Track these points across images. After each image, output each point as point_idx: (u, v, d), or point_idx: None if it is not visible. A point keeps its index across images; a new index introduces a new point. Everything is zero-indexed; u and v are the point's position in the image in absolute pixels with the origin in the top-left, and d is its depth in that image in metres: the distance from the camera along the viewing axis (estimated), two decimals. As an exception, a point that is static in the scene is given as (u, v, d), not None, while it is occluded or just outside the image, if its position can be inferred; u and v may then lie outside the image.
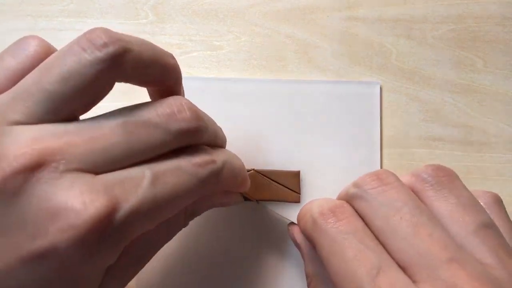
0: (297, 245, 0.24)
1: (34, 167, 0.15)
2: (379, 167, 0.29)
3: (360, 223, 0.19)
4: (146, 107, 0.19)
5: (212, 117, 0.22)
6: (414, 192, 0.20)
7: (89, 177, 0.16)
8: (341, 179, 0.27)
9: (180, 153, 0.19)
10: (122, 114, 0.18)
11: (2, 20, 0.31)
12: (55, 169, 0.16)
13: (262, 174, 0.26)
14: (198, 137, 0.19)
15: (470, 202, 0.19)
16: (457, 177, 0.21)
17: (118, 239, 0.16)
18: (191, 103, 0.19)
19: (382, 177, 0.20)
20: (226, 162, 0.20)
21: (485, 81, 0.30)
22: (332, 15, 0.31)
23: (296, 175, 0.26)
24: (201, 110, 0.20)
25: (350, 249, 0.18)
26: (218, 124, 0.22)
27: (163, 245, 0.21)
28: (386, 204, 0.19)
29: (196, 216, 0.23)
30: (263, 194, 0.26)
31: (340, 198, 0.21)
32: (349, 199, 0.20)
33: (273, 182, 0.26)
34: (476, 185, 0.28)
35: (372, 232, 0.19)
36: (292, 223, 0.25)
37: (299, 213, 0.22)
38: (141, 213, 0.16)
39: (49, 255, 0.15)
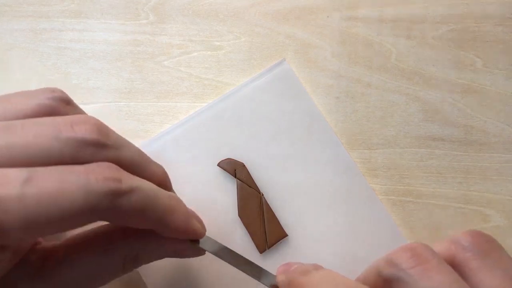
0: None
1: None
2: (350, 162, 0.29)
3: None
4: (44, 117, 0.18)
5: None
6: (455, 264, 0.18)
7: None
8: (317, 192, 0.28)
9: (80, 166, 0.17)
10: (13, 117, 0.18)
11: (2, 20, 0.31)
12: None
13: (263, 206, 0.27)
14: (97, 151, 0.17)
15: None
16: (499, 244, 0.19)
17: None
18: (100, 122, 0.18)
19: (419, 252, 0.18)
20: (139, 188, 0.18)
21: (485, 81, 0.30)
22: (332, 15, 0.31)
23: (280, 235, 0.27)
24: (113, 131, 0.18)
25: None
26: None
27: (101, 285, 0.20)
28: None
29: (142, 263, 0.21)
30: (248, 216, 0.27)
31: (368, 277, 0.19)
32: (384, 281, 0.18)
33: (262, 221, 0.27)
34: (476, 185, 0.28)
35: None
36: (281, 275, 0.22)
37: (308, 284, 0.19)
38: (3, 211, 0.15)
39: None
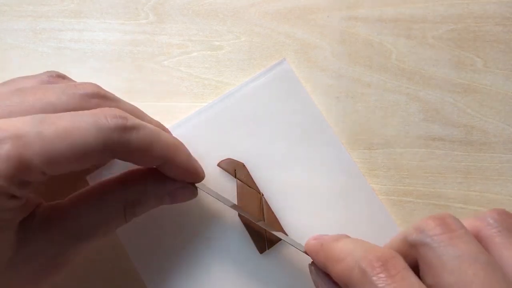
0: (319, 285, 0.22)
1: None
2: (350, 162, 0.29)
3: (415, 280, 0.17)
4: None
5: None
6: (480, 238, 0.18)
7: None
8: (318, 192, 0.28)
9: (87, 111, 0.19)
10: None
11: (2, 20, 0.31)
12: None
13: (263, 206, 0.27)
14: (101, 101, 0.20)
15: None
16: None
17: (2, 167, 0.17)
18: (96, 84, 0.21)
19: (447, 222, 0.18)
20: (144, 126, 0.20)
21: (485, 81, 0.30)
22: (332, 15, 0.31)
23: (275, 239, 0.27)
24: (109, 92, 0.22)
25: None
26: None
27: (101, 235, 0.22)
28: (456, 255, 0.17)
29: (140, 212, 0.22)
30: (249, 207, 0.27)
31: (395, 244, 0.19)
32: (410, 246, 0.18)
33: (262, 219, 0.27)
34: (476, 185, 0.28)
35: (434, 286, 0.17)
36: (313, 263, 0.22)
37: (334, 255, 0.20)
38: (23, 145, 0.17)
39: None
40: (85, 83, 0.21)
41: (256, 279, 0.27)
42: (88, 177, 0.26)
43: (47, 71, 0.23)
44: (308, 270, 0.22)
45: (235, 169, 0.28)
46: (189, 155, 0.23)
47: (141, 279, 0.27)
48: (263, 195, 0.27)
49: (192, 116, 0.29)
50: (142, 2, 0.31)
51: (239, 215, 0.27)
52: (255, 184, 0.27)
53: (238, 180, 0.28)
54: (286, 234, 0.27)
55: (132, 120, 0.20)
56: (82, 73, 0.30)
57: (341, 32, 0.31)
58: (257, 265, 0.27)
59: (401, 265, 0.17)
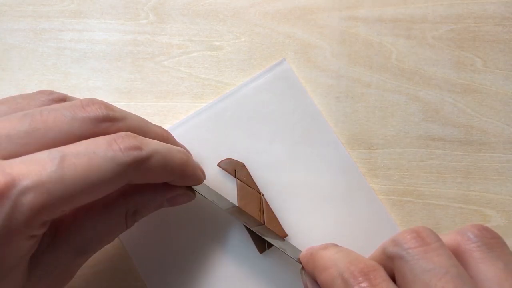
0: None
1: None
2: (350, 162, 0.29)
3: None
4: (57, 103, 0.20)
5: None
6: (459, 252, 0.19)
7: None
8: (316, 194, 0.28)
9: (100, 138, 0.19)
10: (32, 107, 0.20)
11: (2, 20, 0.31)
12: None
13: (263, 206, 0.27)
14: (111, 124, 0.20)
15: None
16: (504, 242, 0.19)
17: (21, 218, 0.17)
18: (102, 101, 0.20)
19: (422, 235, 0.19)
20: (156, 151, 0.20)
21: (485, 81, 0.30)
22: (332, 15, 0.31)
23: (280, 235, 0.27)
24: (115, 106, 0.21)
25: None
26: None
27: (105, 244, 0.22)
28: (428, 269, 0.17)
29: (140, 217, 0.23)
30: (248, 216, 0.27)
31: (376, 255, 0.20)
32: (387, 258, 0.19)
33: (262, 221, 0.27)
34: (476, 185, 0.28)
35: None
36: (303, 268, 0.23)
37: (320, 264, 0.21)
38: (46, 192, 0.17)
39: None
40: (93, 103, 0.20)
41: (256, 279, 0.27)
42: None
43: (43, 91, 0.22)
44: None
45: (235, 169, 0.28)
46: (194, 166, 0.23)
47: (141, 279, 0.27)
48: (263, 195, 0.27)
49: (192, 116, 0.29)
50: (142, 2, 0.31)
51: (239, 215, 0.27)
52: (255, 184, 0.27)
53: (238, 180, 0.28)
54: (286, 234, 0.27)
55: (146, 148, 0.20)
56: (82, 73, 0.30)
57: (341, 32, 0.31)
58: (257, 265, 0.27)
59: (382, 277, 0.18)
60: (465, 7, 0.31)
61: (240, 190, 0.27)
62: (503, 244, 0.19)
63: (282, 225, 0.27)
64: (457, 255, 0.19)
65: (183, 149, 0.23)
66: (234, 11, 0.31)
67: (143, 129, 0.22)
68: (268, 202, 0.27)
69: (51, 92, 0.22)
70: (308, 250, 0.23)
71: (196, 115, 0.29)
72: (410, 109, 0.30)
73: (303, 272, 0.23)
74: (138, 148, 0.19)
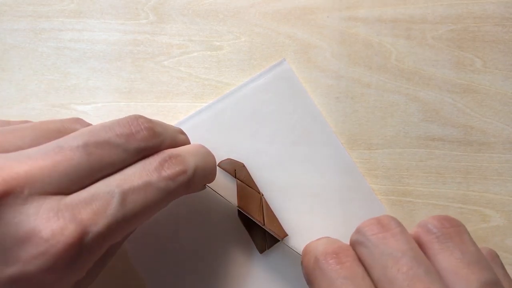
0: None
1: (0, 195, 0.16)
2: (350, 162, 0.29)
3: (360, 270, 0.19)
4: (104, 128, 0.19)
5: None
6: (420, 244, 0.20)
7: (55, 201, 0.16)
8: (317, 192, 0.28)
9: (148, 164, 0.20)
10: (82, 135, 0.19)
11: (2, 20, 0.31)
12: (20, 195, 0.16)
13: (263, 206, 0.27)
14: (156, 149, 0.21)
15: (476, 258, 0.19)
16: (464, 229, 0.20)
17: (88, 259, 0.17)
18: (147, 119, 0.21)
19: (383, 223, 0.20)
20: (197, 167, 0.21)
21: (485, 81, 0.30)
22: (332, 15, 0.31)
23: (280, 235, 0.27)
24: (157, 123, 0.21)
25: None
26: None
27: (122, 243, 0.23)
28: (385, 253, 0.18)
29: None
30: (249, 207, 0.27)
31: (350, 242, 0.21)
32: (352, 244, 0.20)
33: (262, 221, 0.27)
34: (475, 185, 0.29)
35: (371, 280, 0.18)
36: None
37: (304, 250, 0.22)
38: (111, 233, 0.17)
39: (21, 281, 0.16)
40: (145, 128, 0.20)
41: (256, 279, 0.27)
42: None
43: (76, 120, 0.22)
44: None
45: (235, 169, 0.28)
46: (216, 167, 0.24)
47: (141, 279, 0.27)
48: (263, 195, 0.27)
49: (192, 116, 0.29)
50: (142, 2, 0.31)
51: (239, 215, 0.27)
52: (255, 184, 0.27)
53: (238, 180, 0.28)
54: (286, 234, 0.27)
55: (189, 168, 0.21)
56: (82, 73, 0.30)
57: (341, 32, 0.31)
58: (257, 265, 0.27)
59: (351, 256, 0.19)
60: (465, 7, 0.31)
61: (240, 190, 0.27)
62: (463, 232, 0.20)
63: (282, 225, 0.27)
64: (419, 247, 0.19)
65: (207, 149, 0.24)
66: (234, 11, 0.31)
67: (175, 139, 0.22)
68: (268, 202, 0.27)
69: (82, 122, 0.22)
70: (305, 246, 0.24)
71: (196, 115, 0.29)
72: (410, 109, 0.30)
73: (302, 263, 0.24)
74: (184, 172, 0.20)
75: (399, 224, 0.20)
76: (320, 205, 0.28)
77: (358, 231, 0.20)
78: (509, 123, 0.29)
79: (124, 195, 0.18)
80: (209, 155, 0.23)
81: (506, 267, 0.27)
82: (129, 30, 0.31)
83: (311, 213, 0.28)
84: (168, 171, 0.20)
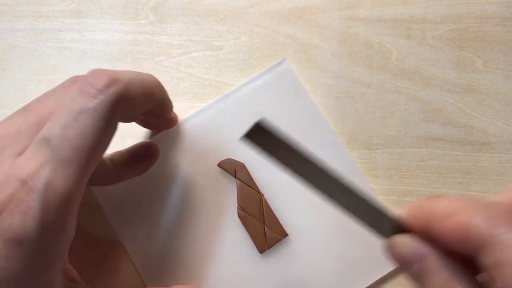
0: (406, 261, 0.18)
1: None
2: (350, 162, 0.28)
3: None
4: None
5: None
6: None
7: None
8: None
9: (74, 94, 0.20)
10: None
11: (2, 20, 0.31)
12: None
13: (263, 206, 0.27)
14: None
15: None
16: None
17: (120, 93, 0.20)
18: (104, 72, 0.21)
19: None
20: (132, 78, 0.21)
21: (485, 81, 0.30)
22: (332, 15, 0.31)
23: (280, 235, 0.27)
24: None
25: None
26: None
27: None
28: None
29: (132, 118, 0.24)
30: (248, 216, 0.27)
31: (454, 223, 0.16)
32: (475, 238, 0.15)
33: (262, 221, 0.27)
34: (476, 185, 0.28)
35: None
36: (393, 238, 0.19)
37: (434, 211, 0.17)
38: (130, 86, 0.20)
39: None
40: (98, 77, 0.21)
41: (256, 279, 0.27)
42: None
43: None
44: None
45: (235, 169, 0.28)
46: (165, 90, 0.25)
47: (141, 279, 0.27)
48: (263, 195, 0.27)
49: (192, 116, 0.29)
50: (142, 2, 0.31)
51: (239, 215, 0.27)
52: (255, 184, 0.27)
53: (238, 180, 0.28)
54: (287, 234, 0.27)
55: (123, 80, 0.21)
56: (82, 73, 0.30)
57: (341, 32, 0.31)
58: (257, 265, 0.27)
59: None
60: (465, 7, 0.31)
61: (240, 190, 0.27)
62: None
63: (282, 225, 0.27)
64: None
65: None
66: (234, 11, 0.31)
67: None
68: (268, 202, 0.27)
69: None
70: (413, 203, 0.19)
71: (196, 115, 0.29)
72: (410, 109, 0.30)
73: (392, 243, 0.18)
74: (115, 81, 0.20)
75: None
76: (320, 205, 0.28)
77: (491, 222, 0.15)
78: (510, 123, 0.29)
79: (59, 138, 0.18)
80: (148, 74, 0.23)
81: (507, 267, 0.27)
82: (129, 30, 0.31)
83: (311, 213, 0.27)
84: (96, 86, 0.19)
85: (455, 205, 0.17)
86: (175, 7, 0.31)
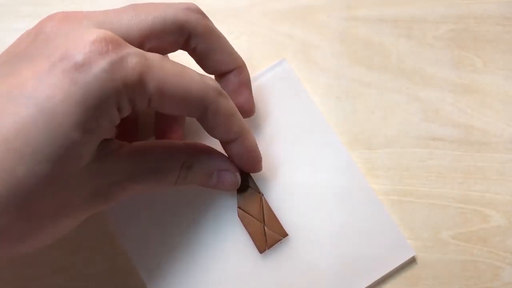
0: None
1: None
2: (350, 162, 0.28)
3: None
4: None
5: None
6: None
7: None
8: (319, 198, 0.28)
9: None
10: None
11: (2, 20, 0.31)
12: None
13: (263, 206, 0.27)
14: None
15: None
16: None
17: (125, 73, 0.19)
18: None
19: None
20: (230, 99, 0.23)
21: (486, 81, 0.30)
22: (332, 15, 0.31)
23: (280, 235, 0.27)
24: None
25: None
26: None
27: (151, 188, 0.23)
28: None
29: (189, 180, 0.24)
30: (248, 216, 0.27)
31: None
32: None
33: (262, 221, 0.27)
34: (476, 185, 0.28)
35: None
36: None
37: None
38: (147, 67, 0.19)
39: None
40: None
41: (256, 279, 0.27)
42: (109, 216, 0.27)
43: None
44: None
45: (235, 169, 0.28)
46: (256, 144, 0.25)
47: (141, 279, 0.27)
48: (263, 195, 0.27)
49: None
50: (142, 2, 0.31)
51: (239, 215, 0.27)
52: (255, 183, 0.27)
53: (238, 180, 0.28)
54: (287, 234, 0.27)
55: (224, 92, 0.22)
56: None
57: (341, 32, 0.31)
58: (257, 265, 0.27)
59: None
60: (465, 7, 0.31)
61: (240, 190, 0.27)
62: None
63: (282, 225, 0.27)
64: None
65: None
66: (234, 11, 0.31)
67: None
68: (268, 202, 0.27)
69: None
70: None
71: None
72: (411, 109, 0.30)
73: None
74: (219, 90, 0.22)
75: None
76: (320, 205, 0.28)
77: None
78: (510, 123, 0.29)
79: (167, 57, 0.22)
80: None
81: (507, 267, 0.27)
82: (129, 30, 0.31)
83: (311, 213, 0.27)
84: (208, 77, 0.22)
85: None
86: (175, 7, 0.31)
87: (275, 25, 0.31)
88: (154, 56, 0.20)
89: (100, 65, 0.18)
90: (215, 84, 0.22)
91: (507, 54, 0.30)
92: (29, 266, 0.27)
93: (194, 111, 0.21)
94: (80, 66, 0.18)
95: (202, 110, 0.21)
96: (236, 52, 0.25)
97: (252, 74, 0.30)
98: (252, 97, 0.27)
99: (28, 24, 0.31)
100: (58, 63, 0.18)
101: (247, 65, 0.30)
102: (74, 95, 0.18)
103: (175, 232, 0.27)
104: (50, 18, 0.21)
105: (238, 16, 0.31)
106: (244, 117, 0.25)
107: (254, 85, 0.29)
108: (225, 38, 0.25)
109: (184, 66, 0.21)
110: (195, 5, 0.24)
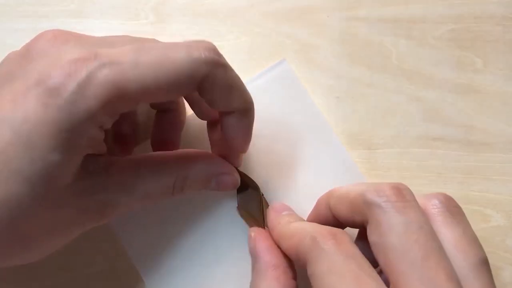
0: (256, 254, 0.23)
1: None
2: (350, 162, 0.28)
3: (357, 251, 0.19)
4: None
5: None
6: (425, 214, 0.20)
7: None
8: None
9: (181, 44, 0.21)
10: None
11: (2, 20, 0.31)
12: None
13: (263, 206, 0.27)
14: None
15: (473, 237, 0.21)
16: (463, 212, 0.22)
17: (97, 90, 0.18)
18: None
19: (403, 193, 0.20)
20: (231, 69, 0.21)
21: (485, 81, 0.30)
22: (332, 15, 0.31)
23: None
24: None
25: (349, 272, 0.18)
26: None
27: (148, 202, 0.23)
28: (404, 222, 0.19)
29: (186, 189, 0.24)
30: (248, 216, 0.27)
31: (353, 195, 0.21)
32: (365, 203, 0.20)
33: (262, 221, 0.27)
34: (476, 185, 0.28)
35: (381, 247, 0.19)
36: (256, 229, 0.25)
37: (282, 231, 0.23)
38: (120, 72, 0.18)
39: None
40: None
41: (256, 279, 0.27)
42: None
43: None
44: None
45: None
46: (253, 124, 0.24)
47: (141, 279, 0.27)
48: (263, 194, 0.27)
49: (192, 115, 0.29)
50: (142, 2, 0.31)
51: (239, 215, 0.27)
52: (255, 183, 0.27)
53: (238, 180, 0.28)
54: None
55: (224, 60, 0.21)
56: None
57: (341, 32, 0.31)
58: (257, 265, 0.27)
59: (347, 238, 0.20)
60: (466, 7, 0.31)
61: (240, 190, 0.27)
62: (463, 214, 0.22)
63: (282, 225, 0.27)
64: None
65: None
66: (234, 11, 0.31)
67: None
68: (268, 202, 0.27)
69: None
70: (277, 216, 0.24)
71: None
72: (411, 109, 0.30)
73: (254, 234, 0.24)
74: (217, 54, 0.20)
75: (414, 197, 0.20)
76: (320, 205, 0.28)
77: (376, 193, 0.20)
78: (510, 123, 0.29)
79: (142, 45, 0.20)
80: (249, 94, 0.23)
81: (507, 267, 0.27)
82: (129, 30, 0.31)
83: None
84: (199, 45, 0.20)
85: (299, 227, 0.22)
86: (175, 7, 0.31)
87: (275, 25, 0.31)
88: (128, 53, 0.19)
89: (70, 87, 0.18)
90: (208, 54, 0.20)
91: (507, 54, 0.30)
92: (29, 267, 0.27)
93: (190, 90, 0.20)
94: (52, 90, 0.18)
95: (197, 86, 0.20)
96: (245, 91, 0.23)
97: (252, 74, 0.30)
98: (250, 139, 0.25)
99: (28, 24, 0.31)
100: (33, 87, 0.18)
101: (247, 65, 0.30)
102: (47, 118, 0.18)
103: (175, 232, 0.27)
104: (40, 36, 0.21)
105: (238, 16, 0.31)
106: (236, 154, 0.25)
107: (254, 85, 0.29)
108: (239, 80, 0.22)
109: (166, 47, 0.19)
110: (213, 45, 0.21)
